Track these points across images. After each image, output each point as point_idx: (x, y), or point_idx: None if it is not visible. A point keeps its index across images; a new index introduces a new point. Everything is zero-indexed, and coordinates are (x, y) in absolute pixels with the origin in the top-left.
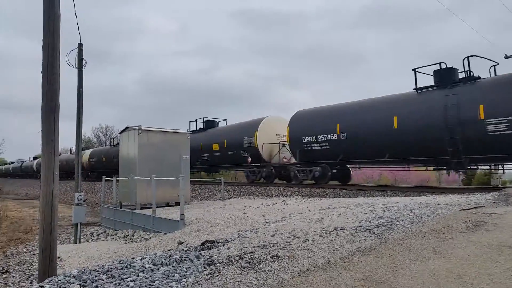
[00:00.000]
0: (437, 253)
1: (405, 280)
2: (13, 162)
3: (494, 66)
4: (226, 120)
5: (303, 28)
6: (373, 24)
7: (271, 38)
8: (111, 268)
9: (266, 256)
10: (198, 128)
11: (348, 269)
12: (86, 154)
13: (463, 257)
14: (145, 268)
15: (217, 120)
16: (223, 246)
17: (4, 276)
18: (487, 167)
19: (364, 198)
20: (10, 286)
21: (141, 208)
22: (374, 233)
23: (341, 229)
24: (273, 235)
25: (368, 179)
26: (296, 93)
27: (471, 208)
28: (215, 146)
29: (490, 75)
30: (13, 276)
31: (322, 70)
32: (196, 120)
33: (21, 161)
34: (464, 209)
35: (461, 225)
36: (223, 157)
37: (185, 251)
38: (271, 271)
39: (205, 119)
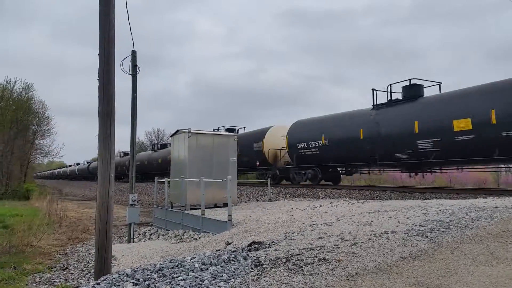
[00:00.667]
0: (495, 259)
1: (459, 286)
2: (78, 164)
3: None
4: (440, 83)
5: (350, 25)
6: (426, 18)
7: (317, 36)
8: (162, 267)
9: (313, 259)
10: (389, 100)
11: (399, 274)
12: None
13: None
14: (195, 268)
15: (424, 86)
16: (270, 247)
17: (64, 272)
18: None
19: (417, 200)
20: (69, 282)
21: (191, 209)
22: (427, 237)
23: (391, 233)
24: (321, 238)
25: (421, 181)
26: (345, 92)
27: None
28: (461, 124)
29: None
30: (72, 273)
31: (372, 68)
32: (391, 85)
33: (87, 162)
34: None
35: None
36: (483, 142)
37: (233, 251)
38: (318, 274)
39: (411, 81)
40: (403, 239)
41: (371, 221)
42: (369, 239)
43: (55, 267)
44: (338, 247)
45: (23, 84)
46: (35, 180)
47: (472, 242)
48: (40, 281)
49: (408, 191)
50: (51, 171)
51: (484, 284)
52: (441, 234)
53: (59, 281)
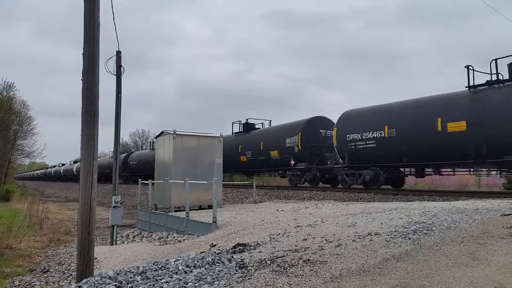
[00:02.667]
0: (475, 260)
1: (441, 287)
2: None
3: None
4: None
5: (337, 28)
6: (411, 22)
7: (305, 39)
8: (145, 270)
9: (298, 261)
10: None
11: (382, 275)
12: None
13: (504, 264)
14: (179, 270)
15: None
16: (255, 249)
17: (45, 275)
18: None
19: (400, 202)
20: (50, 285)
21: (175, 211)
22: (409, 238)
23: (375, 234)
24: (305, 239)
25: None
26: (331, 95)
27: None
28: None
29: None
30: (53, 276)
31: (358, 71)
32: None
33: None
34: (505, 214)
35: (502, 231)
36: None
37: (217, 253)
38: (303, 275)
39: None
40: (386, 240)
41: (355, 222)
42: (353, 240)
43: (36, 269)
44: (323, 249)
45: (4, 83)
46: (16, 181)
47: (454, 243)
48: (19, 285)
49: (391, 193)
50: (30, 173)
51: (465, 285)
52: (423, 236)
53: (40, 284)
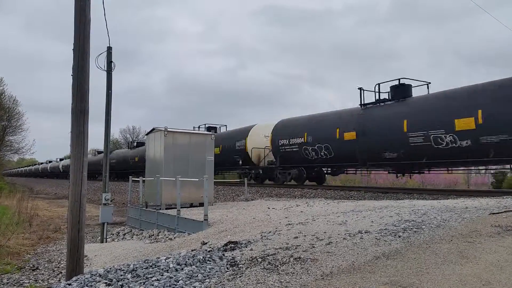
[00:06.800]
0: (464, 258)
1: (430, 284)
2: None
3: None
4: (226, 126)
5: (330, 26)
6: (404, 20)
7: (297, 36)
8: (136, 268)
9: (289, 258)
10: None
11: (373, 273)
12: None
13: (492, 262)
14: (169, 268)
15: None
16: (246, 247)
17: (34, 273)
18: None
19: (390, 201)
20: (39, 283)
21: (166, 208)
22: (399, 236)
23: (365, 232)
24: (296, 237)
25: (394, 182)
26: (323, 92)
27: (502, 212)
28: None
29: None
30: (43, 274)
31: (350, 69)
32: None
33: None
34: (493, 213)
35: (490, 229)
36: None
37: (209, 251)
38: (293, 273)
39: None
40: (376, 238)
41: (346, 220)
42: (344, 238)
43: (25, 267)
44: (313, 247)
45: None
46: (4, 178)
47: (443, 242)
48: (8, 282)
49: (382, 192)
50: (19, 169)
51: (454, 283)
52: (413, 234)
53: (29, 282)
